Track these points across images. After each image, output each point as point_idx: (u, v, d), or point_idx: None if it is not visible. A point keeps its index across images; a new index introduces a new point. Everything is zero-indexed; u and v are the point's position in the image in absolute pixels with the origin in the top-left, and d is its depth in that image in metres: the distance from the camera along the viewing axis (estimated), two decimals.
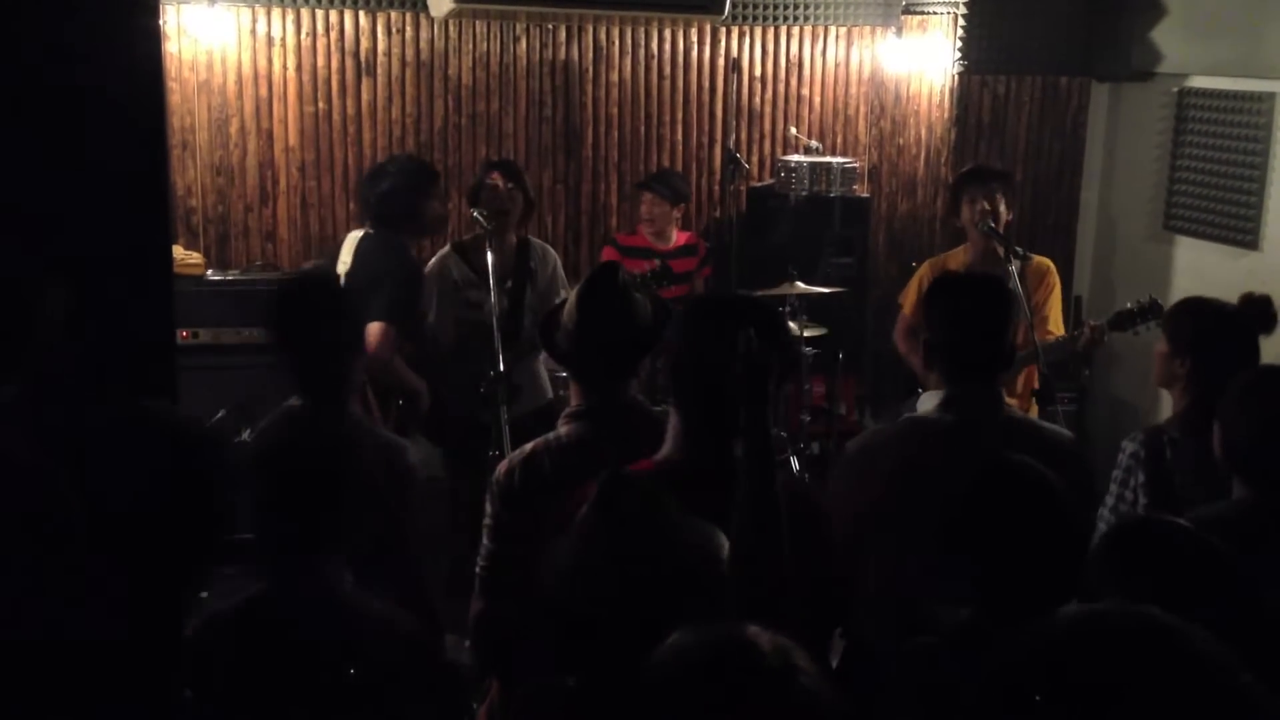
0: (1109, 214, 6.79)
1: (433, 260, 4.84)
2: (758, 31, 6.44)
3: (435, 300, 4.69)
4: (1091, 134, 6.86)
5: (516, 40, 6.10)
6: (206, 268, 5.64)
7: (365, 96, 5.93)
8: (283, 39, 5.78)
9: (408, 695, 2.19)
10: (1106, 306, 6.55)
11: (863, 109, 6.67)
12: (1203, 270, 5.97)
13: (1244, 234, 5.75)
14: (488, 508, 2.61)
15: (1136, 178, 6.51)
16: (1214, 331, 3.24)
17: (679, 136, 6.43)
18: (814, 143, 6.43)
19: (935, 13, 6.54)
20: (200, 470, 2.04)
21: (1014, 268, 4.52)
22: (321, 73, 5.85)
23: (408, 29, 5.94)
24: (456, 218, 5.84)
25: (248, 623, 2.20)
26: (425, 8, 5.81)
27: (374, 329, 4.21)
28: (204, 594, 4.39)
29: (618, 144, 6.34)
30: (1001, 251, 4.73)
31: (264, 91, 5.80)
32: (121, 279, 2.93)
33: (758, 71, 6.49)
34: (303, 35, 5.80)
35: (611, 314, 2.67)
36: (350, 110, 5.92)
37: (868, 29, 6.56)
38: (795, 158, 6.26)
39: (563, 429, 2.68)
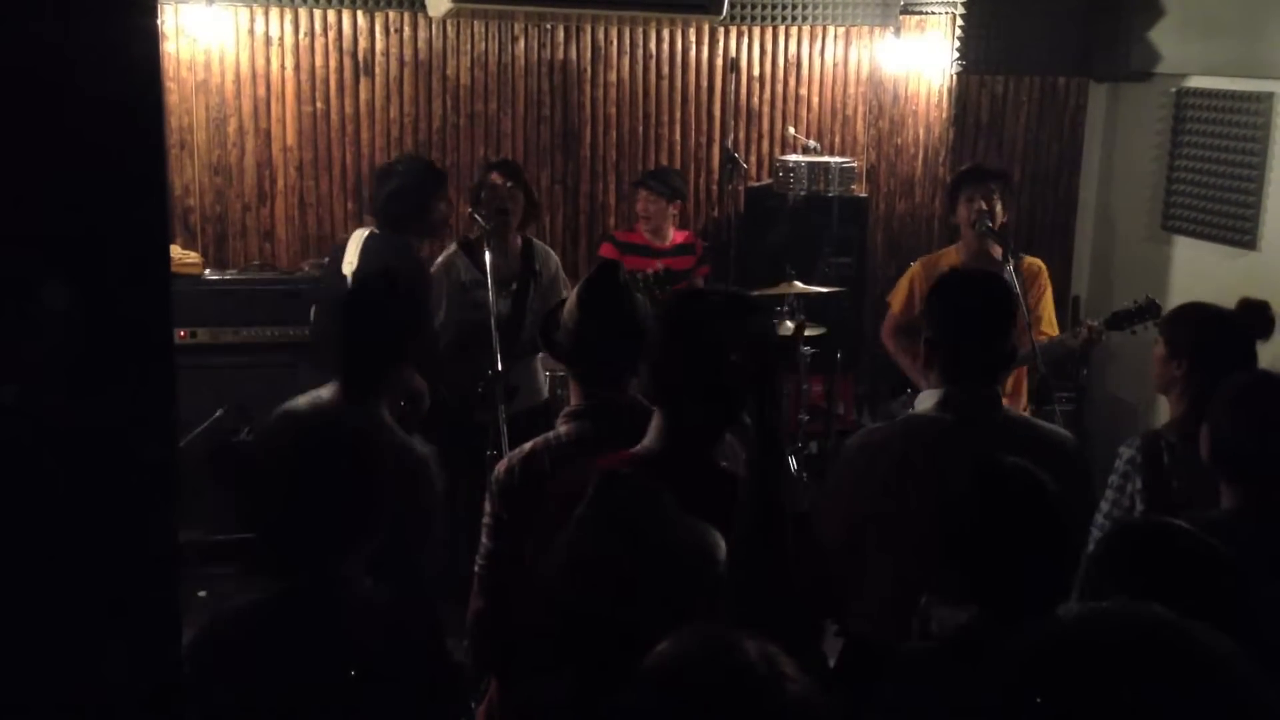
0: (1107, 214, 6.80)
1: (439, 259, 4.83)
2: (756, 31, 6.44)
3: (444, 300, 4.69)
4: (1090, 134, 6.87)
5: (515, 40, 6.10)
6: (204, 267, 5.64)
7: (363, 96, 5.93)
8: (281, 39, 5.78)
9: (419, 694, 2.19)
10: (1105, 306, 6.55)
11: (861, 109, 6.67)
12: (1201, 270, 5.97)
13: (1242, 234, 5.75)
14: (487, 506, 2.61)
15: (1135, 178, 6.51)
16: (1211, 336, 3.24)
17: (677, 136, 6.42)
18: (812, 142, 6.43)
19: (933, 13, 6.54)
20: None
21: (1011, 268, 4.53)
22: (319, 72, 5.85)
23: (406, 29, 5.94)
24: (455, 218, 5.84)
25: (266, 620, 2.19)
26: (423, 7, 5.81)
27: None
28: (201, 594, 4.40)
29: (616, 144, 6.34)
30: (998, 251, 4.73)
31: (262, 91, 5.80)
32: (119, 278, 2.93)
33: (756, 71, 6.49)
34: (301, 35, 5.80)
35: (612, 313, 2.67)
36: (348, 110, 5.92)
37: (866, 29, 6.56)
38: (793, 157, 6.26)
39: (562, 428, 2.68)
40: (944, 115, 6.71)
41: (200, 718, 2.08)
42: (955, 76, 6.61)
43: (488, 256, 4.38)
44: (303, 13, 5.78)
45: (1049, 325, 4.93)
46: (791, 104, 6.56)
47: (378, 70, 5.93)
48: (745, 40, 6.44)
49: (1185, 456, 2.95)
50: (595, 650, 1.82)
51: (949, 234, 6.17)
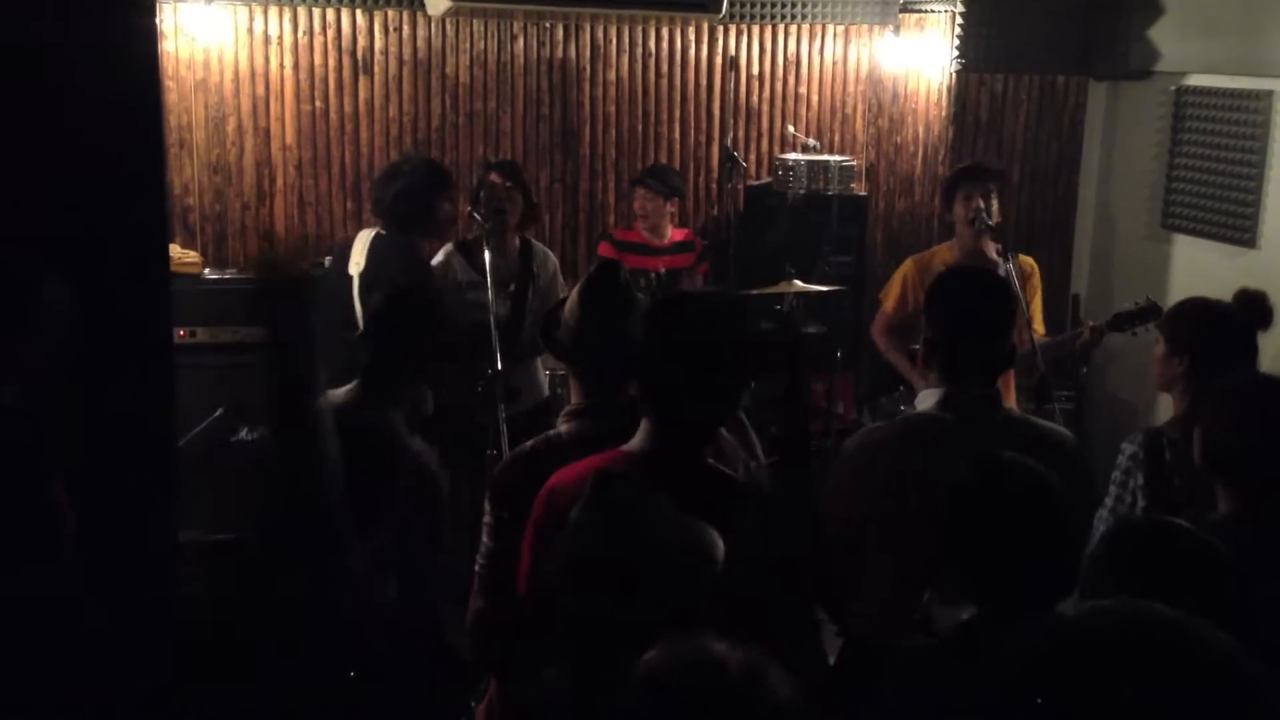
0: (1107, 212, 6.79)
1: (436, 259, 4.83)
2: (755, 30, 6.44)
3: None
4: (1089, 132, 6.86)
5: (514, 39, 6.09)
6: (204, 266, 5.63)
7: (362, 95, 5.92)
8: (280, 37, 5.78)
9: (423, 692, 2.19)
10: (1105, 304, 6.56)
11: (860, 107, 6.67)
12: (1200, 268, 5.97)
13: (1242, 232, 5.75)
14: (487, 506, 2.62)
15: (1134, 176, 6.51)
16: (1211, 332, 3.24)
17: (676, 135, 6.42)
18: (812, 141, 6.43)
19: (933, 11, 6.53)
20: None
21: (1011, 266, 4.54)
22: (319, 71, 5.85)
23: (405, 27, 5.94)
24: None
25: (273, 615, 2.18)
26: (422, 6, 5.81)
27: None
28: None
29: (615, 142, 6.34)
30: (991, 249, 4.75)
31: (261, 90, 5.80)
32: (118, 278, 2.93)
33: (755, 70, 6.48)
34: (300, 34, 5.80)
35: (613, 311, 2.67)
36: (347, 109, 5.92)
37: (865, 27, 6.56)
38: (793, 156, 6.25)
39: (563, 427, 2.68)
40: (943, 114, 6.71)
41: (204, 716, 2.07)
42: (955, 75, 6.61)
43: (487, 257, 4.37)
44: (302, 11, 5.78)
45: (1038, 324, 4.95)
46: (791, 102, 6.56)
47: (377, 69, 5.92)
48: (744, 39, 6.43)
49: (1187, 453, 2.95)
50: (594, 650, 1.81)
51: (948, 232, 6.17)
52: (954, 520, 2.15)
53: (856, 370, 6.26)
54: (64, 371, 2.75)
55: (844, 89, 6.63)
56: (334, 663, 2.11)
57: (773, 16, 6.38)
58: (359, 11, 5.85)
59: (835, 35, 6.56)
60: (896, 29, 6.52)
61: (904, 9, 6.47)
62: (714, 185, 6.49)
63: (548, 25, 6.12)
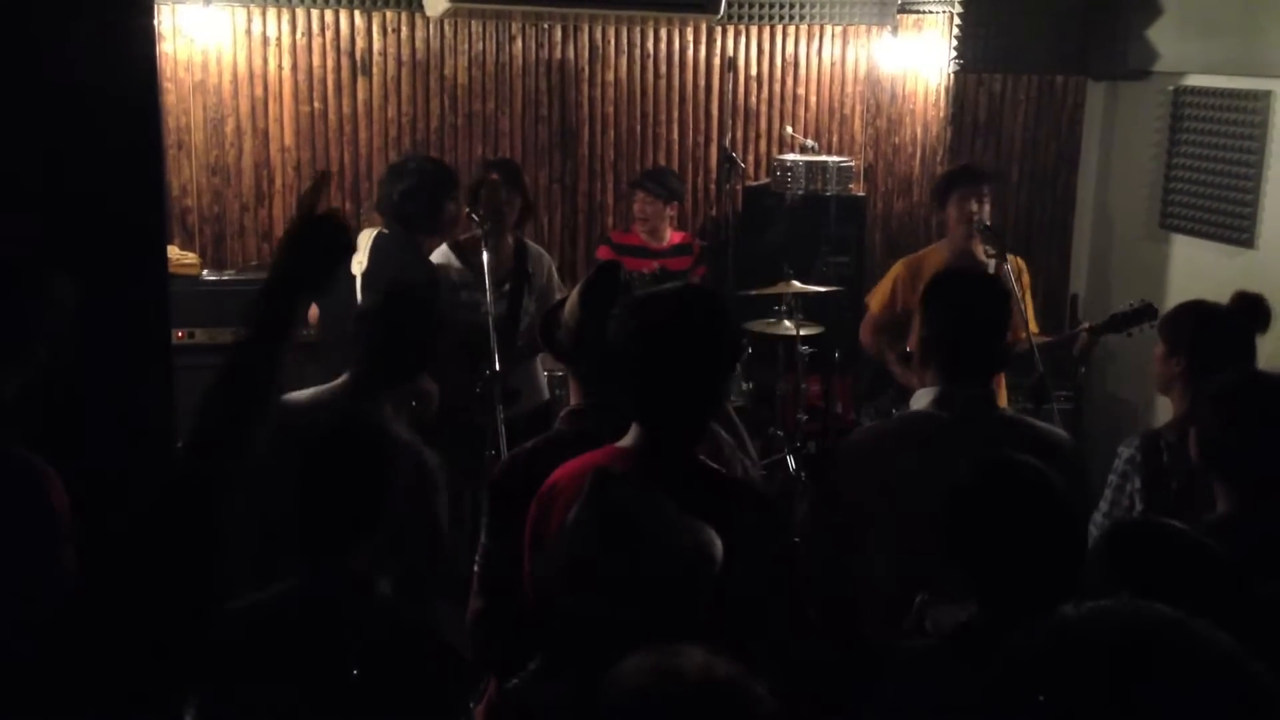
0: (1105, 212, 6.80)
1: (434, 259, 4.82)
2: (753, 31, 6.44)
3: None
4: (1087, 133, 6.87)
5: (512, 40, 6.09)
6: (202, 268, 5.63)
7: (361, 96, 5.93)
8: (278, 39, 5.78)
9: (423, 692, 2.18)
10: (1103, 305, 6.56)
11: (858, 108, 6.67)
12: (1199, 269, 5.98)
13: (1240, 232, 5.75)
14: (486, 506, 2.61)
15: (1132, 176, 6.51)
16: (1209, 333, 3.24)
17: (675, 136, 6.42)
18: (810, 142, 6.43)
19: (931, 12, 6.54)
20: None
21: (1009, 268, 4.55)
22: (317, 72, 5.85)
23: (403, 28, 5.94)
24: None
25: (276, 617, 2.18)
26: (421, 7, 5.81)
27: None
28: None
29: (614, 143, 6.34)
30: (984, 250, 4.76)
31: (259, 91, 5.80)
32: (117, 279, 2.93)
33: (753, 70, 6.49)
34: (298, 35, 5.80)
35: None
36: (346, 110, 5.92)
37: (863, 28, 6.56)
38: (791, 157, 6.26)
39: (563, 427, 2.68)
40: (941, 114, 6.71)
41: (204, 715, 2.07)
42: (953, 75, 6.61)
43: (485, 257, 4.37)
44: (300, 12, 5.78)
45: (1031, 324, 4.95)
46: (789, 103, 6.57)
47: (375, 70, 5.92)
48: (743, 39, 6.44)
49: (1184, 456, 2.95)
50: (591, 650, 1.81)
51: (944, 232, 6.18)
52: (956, 519, 2.14)
53: (855, 371, 6.26)
54: (66, 370, 2.75)
55: (842, 90, 6.64)
56: (332, 662, 2.10)
57: (771, 17, 6.38)
58: (357, 13, 5.85)
59: (833, 36, 6.56)
60: (894, 30, 6.53)
61: (902, 9, 6.48)
62: (712, 186, 6.49)
63: (546, 26, 6.12)
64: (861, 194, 6.46)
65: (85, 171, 2.89)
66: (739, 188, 6.37)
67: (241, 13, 5.70)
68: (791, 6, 6.38)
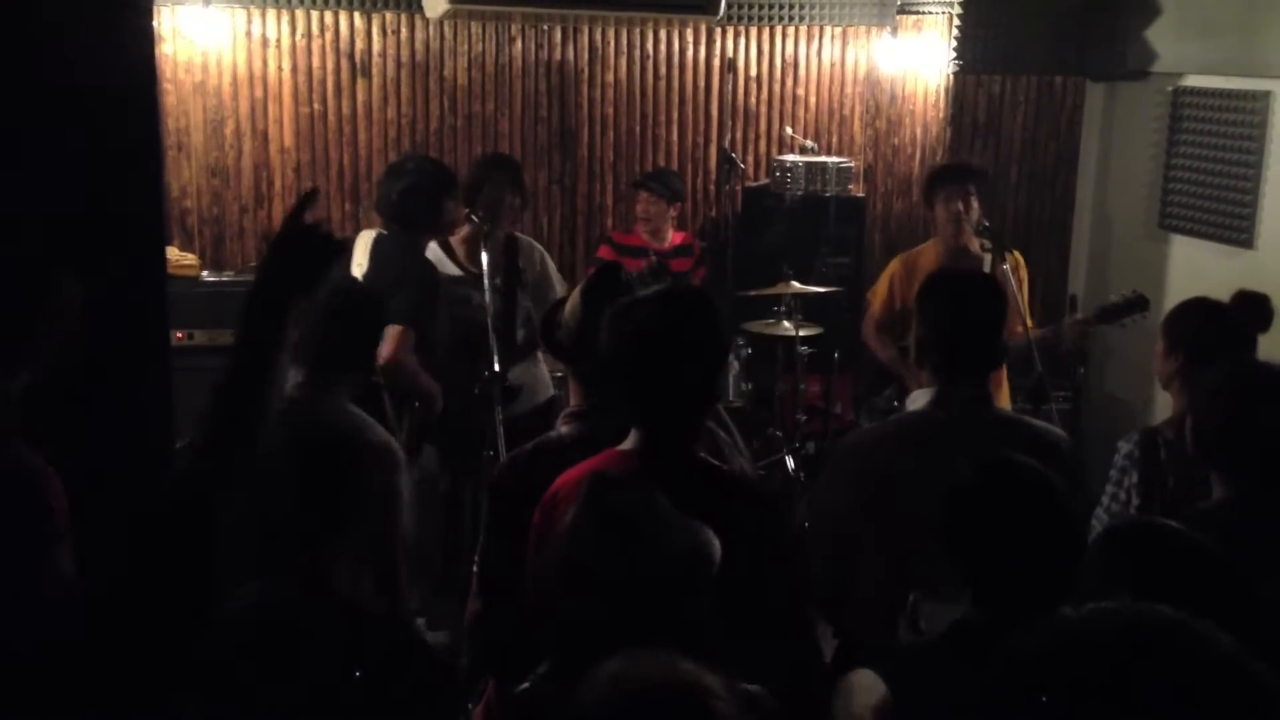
0: (1104, 213, 6.80)
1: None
2: (753, 32, 6.44)
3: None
4: (1086, 133, 6.87)
5: (512, 41, 6.10)
6: (202, 269, 5.63)
7: (360, 98, 5.93)
8: (278, 40, 5.78)
9: (405, 695, 2.18)
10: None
11: (858, 109, 6.67)
12: (1197, 269, 5.98)
13: (1239, 232, 5.75)
14: (487, 507, 2.61)
15: (1131, 176, 6.52)
16: (1207, 330, 3.25)
17: (674, 137, 6.43)
18: (809, 142, 6.43)
19: (930, 12, 6.54)
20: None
21: (1006, 266, 4.55)
22: (317, 74, 5.85)
23: (403, 30, 5.94)
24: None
25: (250, 622, 2.18)
26: (420, 9, 5.81)
27: (393, 332, 4.19)
28: None
29: (613, 144, 6.35)
30: (975, 245, 4.78)
31: (259, 93, 5.80)
32: (117, 280, 2.93)
33: (753, 71, 6.49)
34: (298, 36, 5.80)
35: None
36: (345, 111, 5.92)
37: (863, 29, 6.57)
38: (790, 157, 6.26)
39: (563, 428, 2.67)
40: (941, 115, 6.71)
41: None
42: (952, 76, 6.62)
43: (485, 256, 4.37)
44: (300, 14, 5.78)
45: (1027, 320, 4.96)
46: (788, 104, 6.57)
47: (375, 71, 5.93)
48: (742, 40, 6.44)
49: (1181, 452, 2.95)
50: (590, 652, 1.81)
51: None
52: (953, 519, 2.15)
53: (854, 371, 6.26)
54: (69, 369, 2.75)
55: (841, 90, 6.64)
56: (300, 666, 2.08)
57: (770, 18, 6.39)
58: (357, 14, 5.86)
59: (833, 37, 6.57)
60: (894, 30, 6.53)
61: (901, 10, 6.48)
62: (712, 187, 6.49)
63: (545, 27, 6.13)
64: (861, 195, 6.47)
65: (84, 173, 2.90)
66: (738, 188, 6.37)
67: (241, 14, 5.71)
68: (791, 7, 6.38)
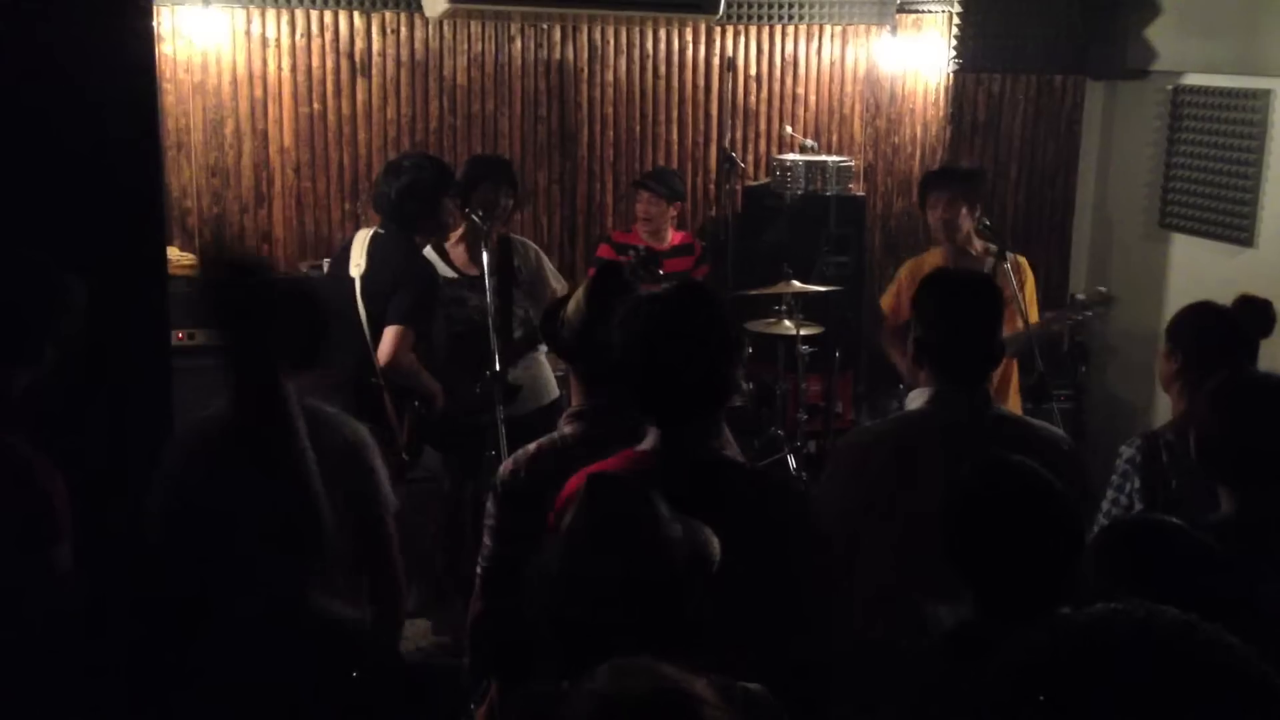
0: (1104, 212, 6.80)
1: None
2: (753, 31, 6.44)
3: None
4: (1087, 132, 6.87)
5: (511, 40, 6.09)
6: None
7: (360, 97, 5.92)
8: (277, 40, 5.78)
9: (363, 700, 2.14)
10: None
11: (858, 108, 6.67)
12: (1198, 268, 5.98)
13: (1239, 231, 5.75)
14: (490, 508, 2.59)
15: (1132, 175, 6.52)
16: (1209, 333, 3.25)
17: (674, 136, 6.42)
18: (809, 142, 6.43)
19: (930, 11, 6.54)
20: None
21: (1006, 266, 4.56)
22: (316, 73, 5.85)
23: (402, 29, 5.94)
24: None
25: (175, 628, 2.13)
26: (420, 8, 5.81)
27: (394, 332, 4.18)
28: None
29: (613, 143, 6.34)
30: (977, 248, 4.78)
31: (259, 92, 5.80)
32: (117, 280, 2.93)
33: (753, 70, 6.49)
34: (297, 36, 5.80)
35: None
36: (345, 111, 5.92)
37: (863, 28, 6.56)
38: (791, 157, 6.26)
39: (567, 428, 2.66)
40: (941, 114, 6.71)
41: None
42: (952, 75, 6.62)
43: (485, 256, 4.37)
44: (299, 14, 5.78)
45: (1033, 317, 4.97)
46: (788, 103, 6.57)
47: (375, 71, 5.92)
48: (742, 39, 6.44)
49: (1183, 455, 2.95)
50: (590, 654, 1.80)
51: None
52: (954, 519, 2.14)
53: (855, 370, 6.27)
54: (71, 368, 2.75)
55: (841, 89, 6.64)
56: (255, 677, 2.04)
57: (770, 17, 6.38)
58: (356, 14, 5.85)
59: (832, 36, 6.56)
60: (894, 29, 6.53)
61: (901, 9, 6.48)
62: (712, 186, 6.49)
63: (545, 27, 6.12)
64: (861, 194, 6.46)
65: (84, 173, 2.89)
66: (739, 188, 6.37)
67: (241, 14, 5.70)
68: (790, 6, 6.38)
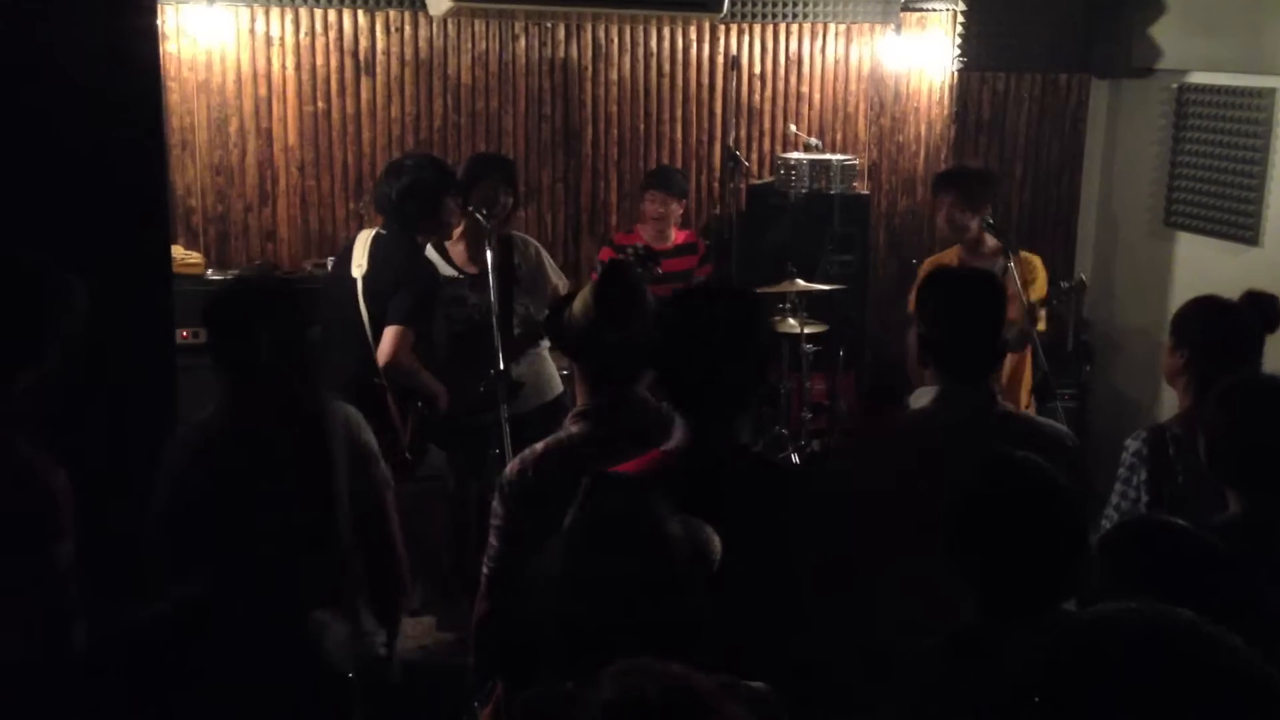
0: (1109, 210, 6.79)
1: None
2: (757, 29, 6.44)
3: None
4: (1091, 130, 6.86)
5: (515, 39, 6.09)
6: (206, 267, 5.63)
7: (364, 96, 5.93)
8: (281, 38, 5.78)
9: (306, 703, 2.13)
10: (1107, 303, 6.56)
11: (862, 106, 6.67)
12: (1203, 266, 5.97)
13: (1244, 230, 5.74)
14: (497, 508, 2.58)
15: (1136, 174, 6.51)
16: (1214, 327, 3.25)
17: (678, 134, 6.42)
18: (814, 140, 6.43)
19: (934, 10, 6.53)
20: None
21: (1010, 264, 4.56)
22: (320, 72, 5.85)
23: (406, 28, 5.94)
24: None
25: (175, 629, 2.12)
26: (424, 6, 5.81)
27: (393, 332, 4.18)
28: None
29: (617, 142, 6.34)
30: (991, 246, 4.78)
31: (263, 91, 5.80)
32: (121, 279, 2.93)
33: (757, 69, 6.48)
34: (302, 34, 5.80)
35: (627, 311, 2.64)
36: (349, 109, 5.92)
37: (867, 26, 6.56)
38: (795, 155, 6.25)
39: (573, 428, 2.65)
40: (945, 112, 6.70)
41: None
42: (956, 73, 6.61)
43: (489, 255, 4.37)
44: (303, 12, 5.78)
45: (1041, 322, 4.97)
46: (793, 101, 6.56)
47: (379, 69, 5.92)
48: (746, 38, 6.43)
49: (1190, 449, 2.94)
50: (591, 655, 1.80)
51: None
52: (959, 517, 2.14)
53: (859, 369, 6.26)
54: (75, 367, 2.75)
55: (846, 88, 6.63)
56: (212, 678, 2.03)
57: (774, 16, 6.38)
58: (360, 12, 5.85)
59: (837, 34, 6.56)
60: (898, 28, 6.52)
61: (905, 8, 6.47)
62: (716, 185, 6.49)
63: (549, 25, 6.12)
64: (865, 192, 6.46)
65: (89, 172, 2.90)
66: (743, 186, 6.37)
67: (245, 12, 5.70)
68: (795, 5, 6.38)
